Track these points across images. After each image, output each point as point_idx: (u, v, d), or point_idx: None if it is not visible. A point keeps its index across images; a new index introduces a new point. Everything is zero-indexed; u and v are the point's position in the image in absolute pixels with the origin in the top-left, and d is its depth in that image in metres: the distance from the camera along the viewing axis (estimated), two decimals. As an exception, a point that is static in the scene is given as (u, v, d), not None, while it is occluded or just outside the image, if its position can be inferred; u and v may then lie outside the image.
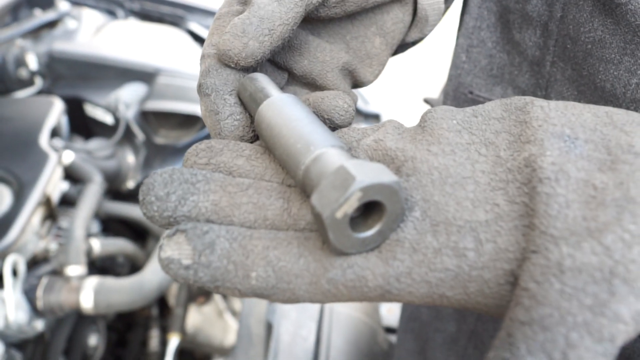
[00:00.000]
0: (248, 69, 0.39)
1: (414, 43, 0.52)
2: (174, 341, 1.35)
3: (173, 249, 0.29)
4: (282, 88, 0.45)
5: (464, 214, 0.28)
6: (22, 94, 1.57)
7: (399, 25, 0.47)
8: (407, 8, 0.46)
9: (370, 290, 0.28)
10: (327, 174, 0.29)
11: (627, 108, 0.41)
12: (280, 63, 0.44)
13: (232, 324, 1.44)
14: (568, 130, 0.30)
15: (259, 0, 0.37)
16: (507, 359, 0.24)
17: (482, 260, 0.27)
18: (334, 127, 0.39)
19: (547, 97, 0.50)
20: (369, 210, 0.29)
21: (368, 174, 0.27)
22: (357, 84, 0.48)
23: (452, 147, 0.32)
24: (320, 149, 0.31)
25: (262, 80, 0.38)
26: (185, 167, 0.35)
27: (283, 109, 0.35)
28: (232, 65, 0.38)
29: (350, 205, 0.27)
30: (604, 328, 0.23)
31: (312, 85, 0.45)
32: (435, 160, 0.31)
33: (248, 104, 0.38)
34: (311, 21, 0.44)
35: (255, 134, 0.39)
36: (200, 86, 0.39)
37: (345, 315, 1.17)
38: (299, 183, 0.32)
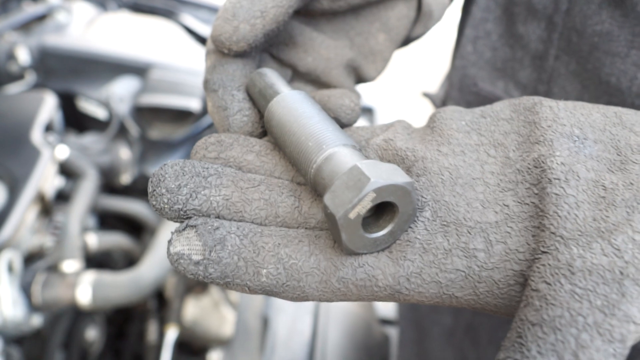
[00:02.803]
0: (242, 55, 0.38)
1: (416, 38, 0.52)
2: (171, 332, 1.36)
3: (183, 244, 0.29)
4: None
5: (474, 214, 0.29)
6: (13, 88, 1.55)
7: (404, 21, 0.46)
8: (412, 4, 0.46)
9: (380, 289, 0.29)
10: (340, 173, 0.29)
11: (632, 102, 0.41)
12: (284, 60, 0.43)
13: (228, 315, 1.44)
14: (577, 131, 0.30)
15: None
16: None
17: (492, 261, 0.27)
18: (340, 125, 0.39)
19: (549, 91, 0.50)
20: (380, 210, 0.29)
21: (382, 175, 0.27)
22: (360, 80, 0.47)
23: (461, 147, 0.32)
24: (332, 147, 0.31)
25: (272, 76, 0.38)
26: (194, 160, 0.34)
27: (293, 105, 0.34)
28: (225, 51, 0.36)
29: (364, 206, 0.27)
30: (615, 329, 0.23)
31: (317, 82, 0.44)
32: (446, 160, 0.31)
33: (257, 100, 0.37)
34: (315, 17, 0.44)
35: (263, 129, 0.39)
36: (206, 82, 0.38)
37: (341, 309, 1.17)
38: (310, 181, 0.31)
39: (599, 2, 0.42)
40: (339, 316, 1.16)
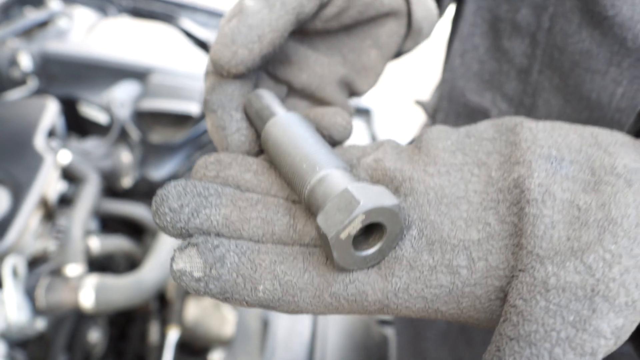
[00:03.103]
0: (241, 77, 0.40)
1: (407, 52, 0.53)
2: (172, 334, 1.37)
3: (185, 261, 0.30)
4: (282, 101, 0.46)
5: (458, 232, 0.30)
6: (15, 93, 1.57)
7: (394, 37, 0.47)
8: (402, 21, 0.47)
9: (370, 304, 0.30)
10: (332, 195, 0.30)
11: (612, 116, 0.43)
12: (280, 77, 0.45)
13: (229, 316, 1.46)
14: (555, 152, 0.31)
15: (248, 9, 0.37)
16: None
17: (475, 278, 0.29)
18: (333, 142, 0.40)
19: (534, 104, 0.51)
20: (370, 229, 0.31)
21: (371, 198, 0.28)
22: (353, 94, 0.49)
23: (447, 167, 0.33)
24: (325, 169, 0.32)
25: (268, 98, 0.39)
26: (195, 178, 0.36)
27: (289, 127, 0.36)
28: (224, 74, 0.38)
29: (354, 227, 0.28)
30: (586, 343, 0.25)
31: (311, 98, 0.46)
32: (432, 180, 0.33)
33: (254, 120, 0.39)
34: (309, 35, 0.45)
35: (260, 148, 0.40)
36: (206, 103, 0.40)
37: (340, 310, 1.19)
38: (304, 201, 0.33)
39: (578, 22, 0.44)
40: (338, 318, 1.17)
